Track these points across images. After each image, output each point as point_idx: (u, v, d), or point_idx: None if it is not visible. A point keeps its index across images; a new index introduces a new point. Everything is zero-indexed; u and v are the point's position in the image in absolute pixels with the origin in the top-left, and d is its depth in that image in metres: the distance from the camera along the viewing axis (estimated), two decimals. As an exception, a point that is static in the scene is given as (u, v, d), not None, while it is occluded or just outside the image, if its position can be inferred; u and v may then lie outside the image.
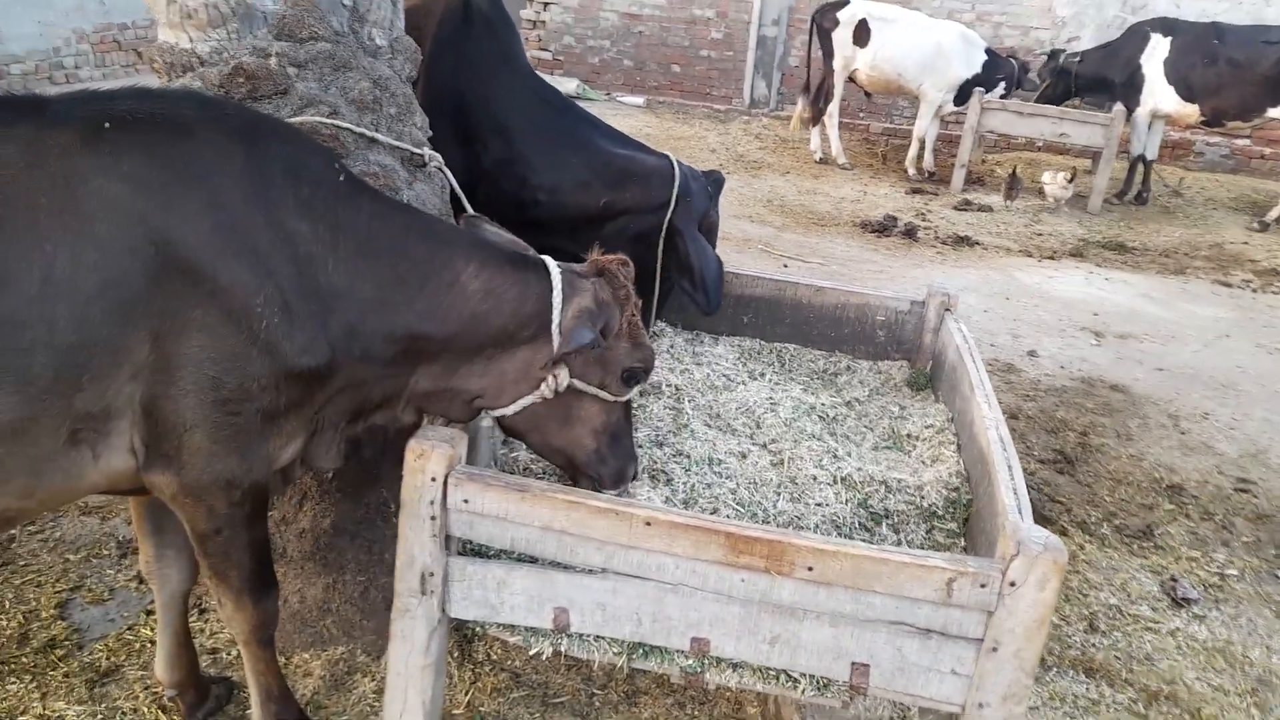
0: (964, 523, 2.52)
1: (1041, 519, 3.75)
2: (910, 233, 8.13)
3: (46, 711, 2.54)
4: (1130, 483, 4.25)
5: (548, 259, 2.22)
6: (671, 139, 10.72)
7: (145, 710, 2.57)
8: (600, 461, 2.25)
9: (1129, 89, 9.34)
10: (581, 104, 3.54)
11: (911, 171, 10.19)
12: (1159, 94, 9.19)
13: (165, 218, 1.69)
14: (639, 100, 12.96)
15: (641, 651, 2.10)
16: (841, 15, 9.82)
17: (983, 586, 1.84)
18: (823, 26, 10.00)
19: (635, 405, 2.89)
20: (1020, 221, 8.77)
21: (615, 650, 2.11)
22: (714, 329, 3.57)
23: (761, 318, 3.56)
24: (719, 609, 1.99)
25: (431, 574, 2.10)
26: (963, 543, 2.45)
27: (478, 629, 2.51)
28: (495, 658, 2.84)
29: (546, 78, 3.58)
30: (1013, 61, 9.88)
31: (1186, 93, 9.05)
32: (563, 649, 2.14)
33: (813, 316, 3.52)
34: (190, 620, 2.58)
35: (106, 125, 1.67)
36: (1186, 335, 6.29)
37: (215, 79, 2.31)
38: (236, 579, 2.08)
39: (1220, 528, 3.96)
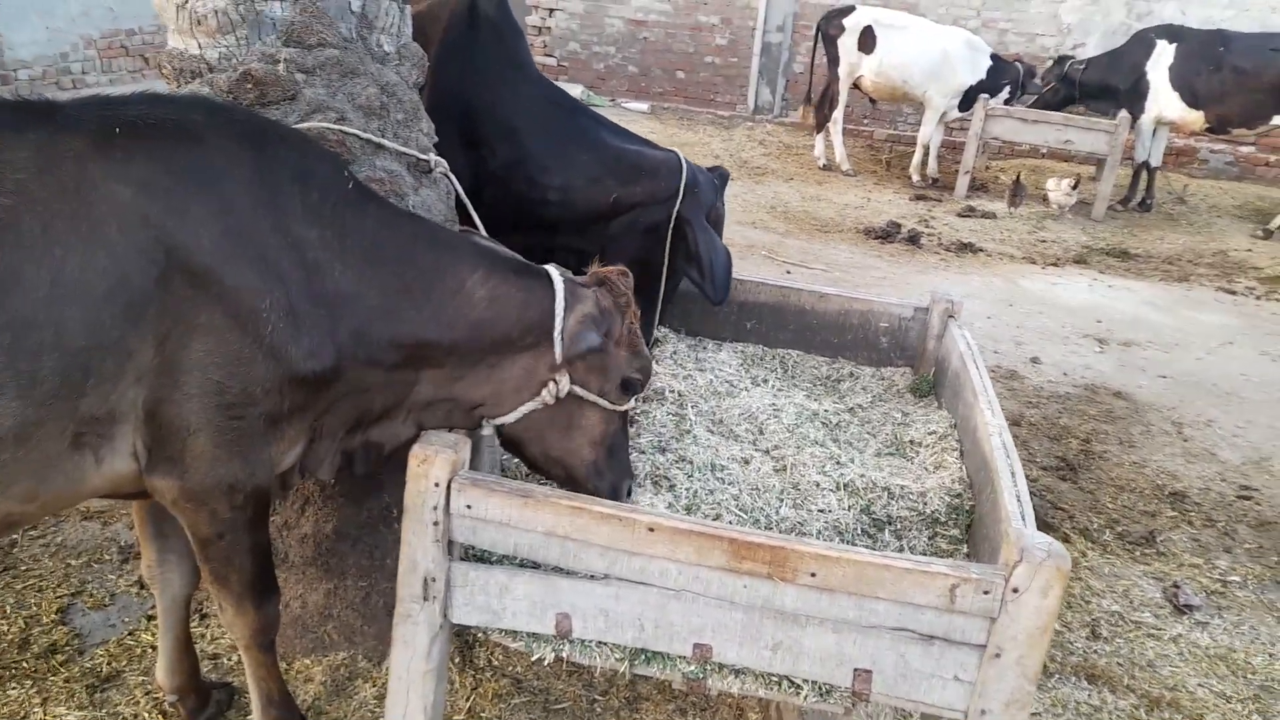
0: (967, 529, 2.52)
1: (1044, 526, 3.74)
2: (914, 239, 8.13)
3: (47, 717, 2.54)
4: (1133, 489, 4.24)
5: (550, 267, 2.24)
6: (675, 145, 10.69)
7: (146, 715, 2.57)
8: (597, 474, 2.25)
9: (1134, 95, 9.34)
10: (586, 109, 3.55)
11: (915, 178, 10.19)
12: (1164, 101, 9.19)
13: (174, 222, 1.70)
14: (644, 106, 12.98)
15: (644, 657, 2.10)
16: (847, 22, 9.84)
17: (986, 593, 1.84)
18: (828, 33, 10.01)
19: (638, 411, 2.89)
20: (1024, 228, 8.77)
21: (617, 656, 2.11)
22: (717, 335, 3.57)
23: (765, 324, 3.57)
24: (721, 615, 1.99)
25: (434, 579, 2.10)
26: (965, 549, 2.44)
27: (479, 634, 2.53)
28: (496, 664, 2.84)
29: (551, 83, 3.59)
30: (1018, 67, 9.88)
31: (1191, 99, 9.05)
32: (565, 654, 2.14)
33: (816, 323, 3.52)
34: (191, 625, 2.58)
35: (117, 130, 1.68)
36: (1190, 342, 6.28)
37: (224, 85, 2.33)
38: (238, 584, 2.08)
39: (1223, 535, 3.95)
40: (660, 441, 2.78)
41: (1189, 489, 4.30)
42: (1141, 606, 3.41)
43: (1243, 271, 8.01)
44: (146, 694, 2.63)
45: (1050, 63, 10.27)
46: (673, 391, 3.07)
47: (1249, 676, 3.12)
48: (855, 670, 1.97)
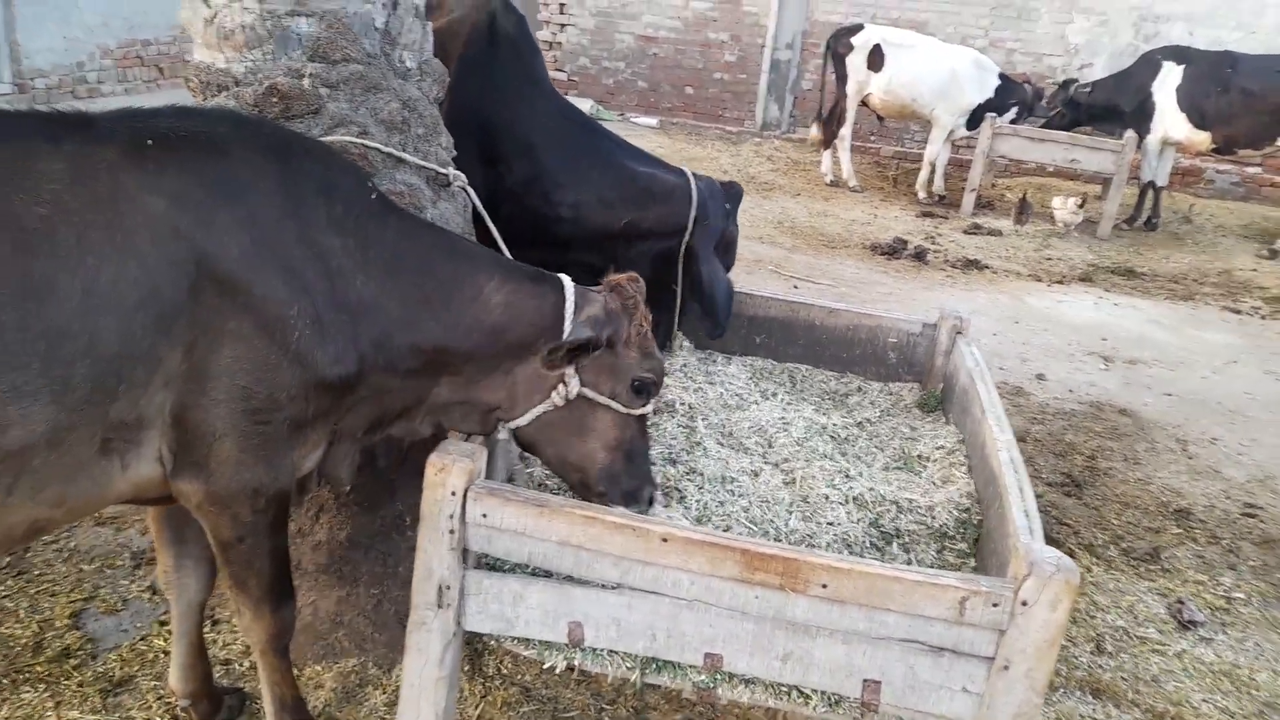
0: (974, 543, 2.55)
1: (1050, 541, 3.73)
2: (920, 255, 8.18)
3: None
4: (1138, 506, 4.26)
5: (563, 276, 2.28)
6: (684, 160, 10.80)
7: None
8: (611, 479, 2.27)
9: (1140, 116, 9.39)
10: (595, 124, 3.60)
11: (922, 195, 10.25)
12: (1170, 121, 9.24)
13: (204, 233, 1.74)
14: (653, 121, 13.07)
15: (655, 666, 2.13)
16: (856, 40, 9.92)
17: (995, 606, 1.87)
18: (837, 51, 10.09)
19: (648, 423, 2.93)
20: (1030, 246, 8.81)
21: (629, 665, 2.14)
22: (727, 349, 3.61)
23: (774, 338, 3.61)
24: (733, 625, 2.02)
25: (448, 587, 2.13)
26: (973, 563, 2.47)
27: (491, 643, 2.56)
28: (505, 672, 2.86)
29: (561, 98, 3.64)
30: (1026, 87, 9.95)
31: (1198, 120, 9.11)
32: (576, 663, 2.17)
33: (825, 338, 3.56)
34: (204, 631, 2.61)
35: (149, 143, 1.73)
36: (1195, 361, 6.30)
37: (250, 98, 2.38)
38: (256, 587, 2.12)
39: (1227, 552, 3.97)
40: (671, 454, 2.82)
41: (1194, 506, 4.31)
42: (1146, 622, 3.43)
43: (1248, 291, 8.03)
44: (159, 698, 2.66)
45: (1056, 86, 10.33)
46: (683, 404, 3.11)
47: (1253, 693, 3.13)
48: (864, 681, 1.99)
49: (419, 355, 2.09)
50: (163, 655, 2.82)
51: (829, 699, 2.06)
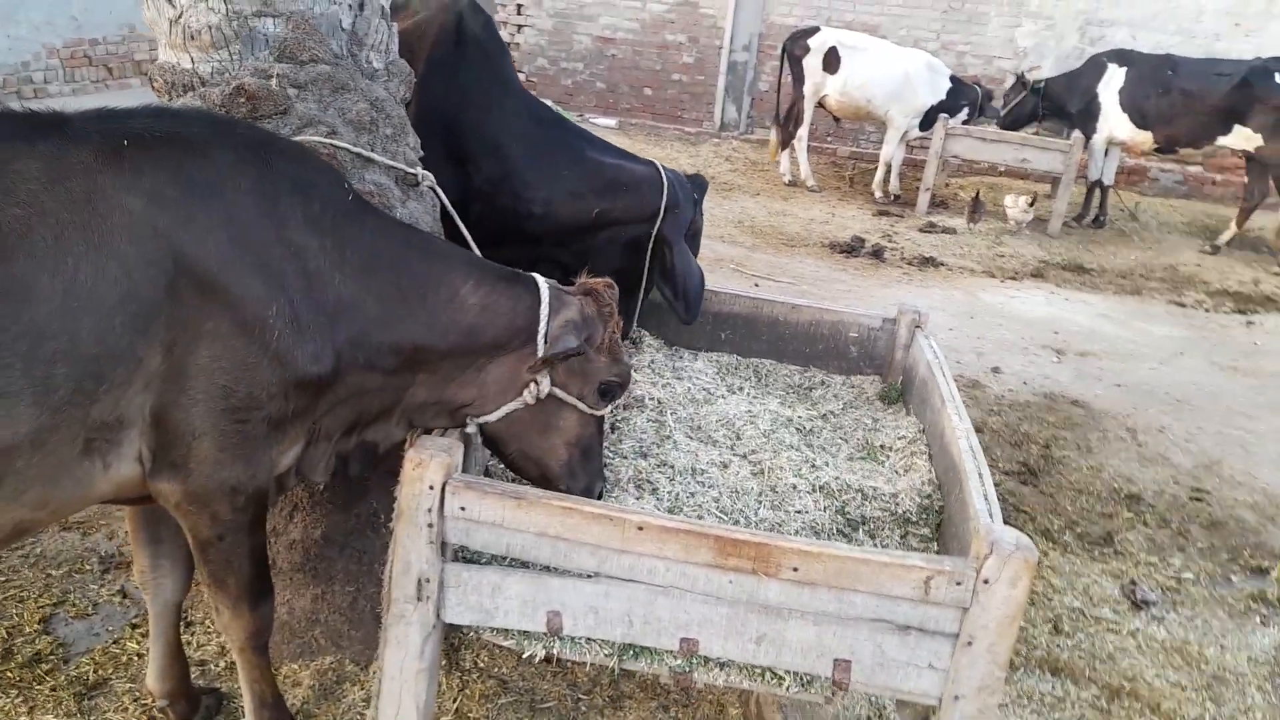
0: (936, 528, 2.63)
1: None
2: (877, 253, 8.33)
3: (35, 724, 2.55)
4: (1091, 492, 4.41)
5: (537, 275, 2.32)
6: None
7: (135, 721, 2.59)
8: (570, 475, 2.32)
9: (1086, 117, 9.66)
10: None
11: (878, 194, 10.42)
12: (1115, 122, 9.51)
13: (182, 233, 1.75)
14: (611, 122, 13.12)
15: (632, 653, 2.17)
16: (812, 42, 10.06)
17: (958, 584, 1.95)
18: (794, 53, 10.23)
19: (619, 418, 2.98)
20: (983, 243, 9.01)
21: (606, 652, 2.18)
22: (693, 345, 3.67)
23: (739, 334, 3.67)
24: (707, 610, 2.07)
25: (428, 580, 2.16)
26: (935, 547, 2.56)
27: (470, 634, 2.58)
28: (482, 665, 2.90)
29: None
30: (977, 89, 10.18)
31: (1141, 121, 9.39)
32: (555, 651, 2.21)
33: (788, 333, 3.64)
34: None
35: (125, 143, 1.74)
36: (1143, 353, 6.51)
37: (217, 99, 2.38)
38: (235, 585, 2.13)
39: (1176, 534, 4.13)
40: (641, 447, 2.87)
41: (1144, 491, 4.48)
42: (1101, 603, 3.56)
43: (1192, 285, 8.31)
44: (135, 700, 2.65)
45: (1014, 79, 10.58)
46: (652, 399, 3.16)
47: (1202, 667, 3.28)
48: (835, 660, 2.06)
49: (397, 354, 2.12)
50: (136, 658, 2.81)
51: (801, 679, 2.12)
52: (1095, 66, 9.72)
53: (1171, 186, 11.63)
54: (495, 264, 2.30)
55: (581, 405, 2.25)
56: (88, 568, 3.24)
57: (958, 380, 5.56)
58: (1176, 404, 5.66)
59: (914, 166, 10.85)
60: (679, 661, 2.16)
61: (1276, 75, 8.73)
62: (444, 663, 2.85)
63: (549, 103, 13.47)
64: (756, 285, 7.08)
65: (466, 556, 2.26)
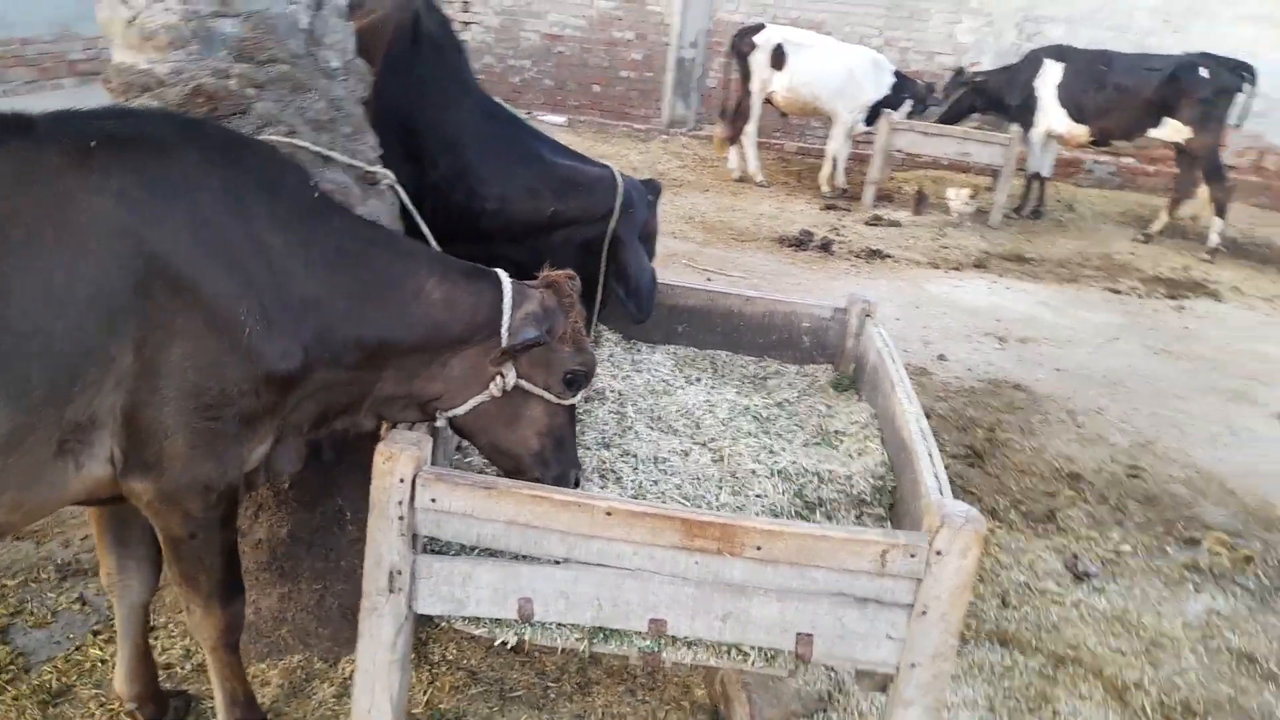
0: (889, 508, 2.74)
1: (957, 509, 4.03)
2: (826, 247, 8.49)
3: (-1, 733, 2.53)
4: (1034, 472, 4.59)
5: (499, 271, 2.37)
6: (594, 157, 10.90)
7: (102, 726, 2.58)
8: (543, 464, 2.37)
9: (1025, 111, 9.95)
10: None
11: (825, 189, 10.61)
12: (1052, 115, 9.81)
13: (152, 232, 1.77)
14: (560, 119, 13.13)
15: (602, 635, 2.23)
16: (758, 40, 10.20)
17: (913, 557, 2.05)
18: (740, 50, 10.35)
19: (581, 410, 3.04)
20: (927, 235, 9.24)
21: (577, 636, 2.24)
22: (650, 338, 3.74)
23: (695, 326, 3.75)
24: (675, 590, 2.14)
25: (399, 572, 2.19)
26: (889, 526, 2.66)
27: (440, 626, 2.63)
28: (451, 658, 2.94)
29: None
30: (919, 84, 10.41)
31: (1077, 114, 9.69)
32: (526, 638, 2.26)
33: (743, 325, 3.72)
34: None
35: (92, 144, 1.75)
36: (1081, 339, 6.76)
37: (175, 99, 2.38)
38: (207, 584, 2.14)
39: (1115, 510, 4.32)
40: (604, 438, 2.93)
41: (1084, 470, 4.67)
42: (1045, 576, 3.73)
43: (1126, 273, 8.62)
44: (100, 705, 2.64)
45: (951, 74, 10.84)
46: (613, 391, 3.22)
47: (1140, 633, 3.45)
48: (798, 635, 2.14)
49: (362, 349, 2.15)
50: (100, 664, 2.80)
51: (766, 654, 2.21)
52: (1033, 62, 10.01)
53: (1106, 178, 12.02)
54: (458, 260, 2.35)
55: (548, 395, 2.30)
56: (44, 576, 3.20)
57: (905, 368, 5.73)
58: (1113, 387, 5.89)
59: (859, 161, 11.06)
60: (648, 642, 2.22)
61: (1202, 70, 9.09)
62: (412, 656, 2.88)
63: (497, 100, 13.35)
64: (709, 280, 7.17)
65: (436, 548, 2.30)
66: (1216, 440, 5.26)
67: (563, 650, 2.90)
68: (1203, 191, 9.38)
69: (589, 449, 2.81)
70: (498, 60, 13.67)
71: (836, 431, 3.18)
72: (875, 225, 9.42)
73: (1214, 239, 9.20)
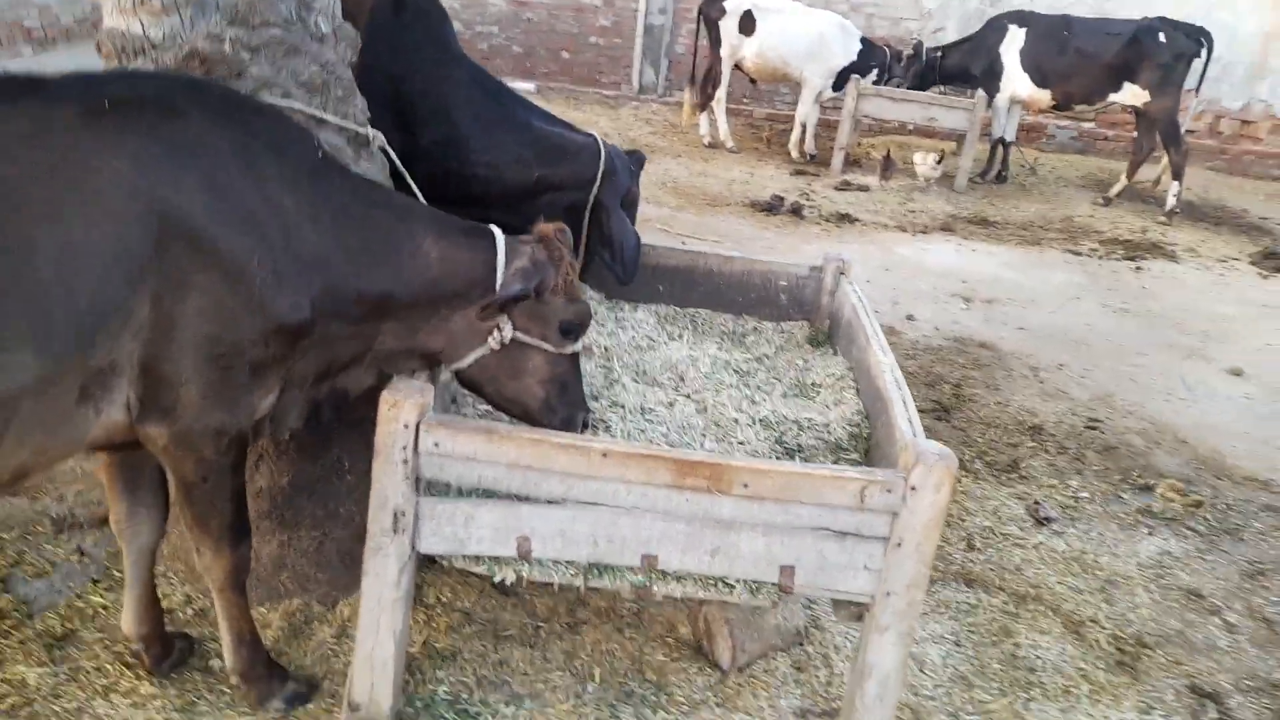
0: (865, 453, 2.89)
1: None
2: (796, 211, 8.62)
3: (7, 676, 2.60)
4: (998, 425, 4.79)
5: (493, 227, 2.46)
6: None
7: (109, 668, 2.65)
8: (550, 410, 2.48)
9: (989, 77, 10.10)
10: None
11: (795, 154, 10.72)
12: (1016, 81, 9.98)
13: (167, 190, 1.84)
14: (530, 86, 13.06)
15: (596, 571, 2.36)
16: (728, 5, 10.23)
17: (889, 492, 2.19)
18: (710, 16, 10.38)
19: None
20: (895, 200, 9.40)
21: (573, 572, 2.37)
22: (633, 297, 3.85)
23: (676, 286, 3.86)
24: (666, 527, 2.27)
25: (403, 513, 2.30)
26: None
27: (439, 565, 2.75)
28: (445, 600, 3.05)
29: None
30: (885, 50, 10.52)
31: (1040, 79, 9.87)
32: (525, 574, 2.39)
33: (722, 284, 3.84)
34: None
35: (106, 104, 1.81)
36: (1043, 298, 6.97)
37: (170, 63, 2.42)
38: (217, 526, 2.24)
39: (1074, 459, 4.53)
40: (593, 391, 3.04)
41: (1045, 423, 4.88)
42: (1008, 521, 3.92)
43: (1086, 235, 8.85)
44: (106, 648, 2.71)
45: (909, 53, 10.93)
46: (599, 347, 3.34)
47: (1097, 573, 3.66)
48: (781, 567, 2.29)
49: (364, 303, 2.24)
50: (102, 610, 2.87)
51: (751, 586, 2.35)
52: (996, 28, 10.15)
53: (1067, 142, 12.26)
54: (455, 218, 2.43)
55: (546, 345, 2.40)
56: (40, 530, 3.26)
57: (876, 328, 5.92)
58: (1074, 344, 6.11)
59: (828, 127, 11.17)
60: (640, 577, 2.36)
61: (1161, 34, 9.29)
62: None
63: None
64: (684, 244, 7.27)
65: (437, 490, 2.41)
66: (1171, 394, 5.50)
67: (555, 590, 3.08)
68: (1160, 154, 9.63)
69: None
70: (465, 27, 13.53)
71: (814, 383, 3.33)
72: (844, 190, 9.56)
73: (1171, 202, 9.46)
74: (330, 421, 2.80)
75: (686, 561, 2.31)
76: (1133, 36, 9.34)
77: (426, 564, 2.87)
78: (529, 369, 2.44)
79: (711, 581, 2.36)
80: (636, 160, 3.66)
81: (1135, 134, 10.08)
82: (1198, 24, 9.39)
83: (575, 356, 2.52)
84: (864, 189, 9.63)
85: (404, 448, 2.23)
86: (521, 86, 12.92)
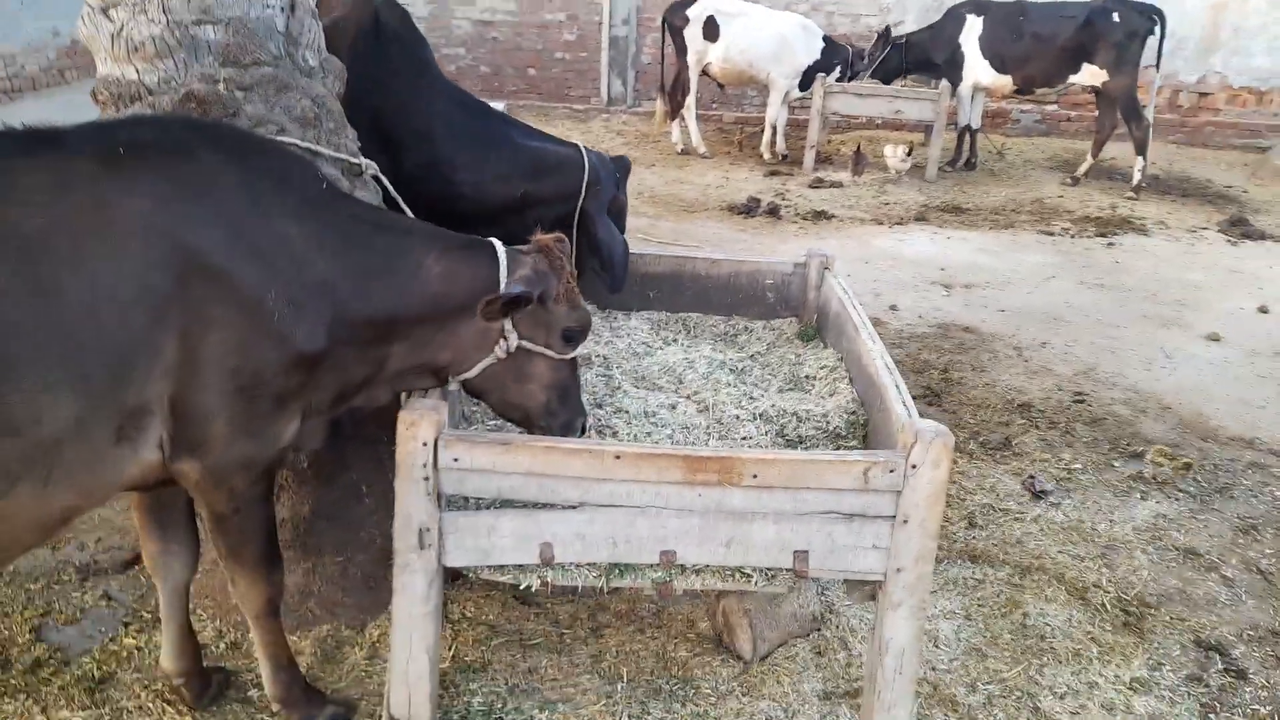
0: (863, 439, 2.99)
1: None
2: (773, 211, 8.75)
3: (52, 720, 2.66)
4: (988, 406, 4.91)
5: (494, 240, 2.55)
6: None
7: (150, 705, 2.71)
8: (550, 414, 2.55)
9: (952, 66, 10.29)
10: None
11: (766, 155, 10.86)
12: (977, 68, 10.17)
13: (186, 229, 1.92)
14: (500, 105, 13.14)
15: (617, 571, 2.44)
16: (691, 13, 10.37)
17: (892, 472, 2.29)
18: (674, 25, 10.52)
19: (585, 361, 3.21)
20: (869, 193, 9.55)
21: (595, 574, 2.45)
22: (625, 305, 3.94)
23: (665, 291, 3.95)
24: (681, 523, 2.35)
25: (428, 529, 2.37)
26: (866, 454, 2.90)
27: (464, 580, 2.82)
28: (470, 614, 3.12)
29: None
30: (847, 48, 10.69)
31: (1000, 65, 10.06)
32: (549, 579, 2.46)
33: (710, 286, 3.94)
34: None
35: (120, 151, 1.89)
36: (1020, 280, 7.12)
37: (167, 106, 2.50)
38: (251, 555, 2.31)
39: (1064, 433, 4.66)
40: (596, 399, 3.13)
41: (1033, 400, 5.00)
42: (1006, 497, 4.03)
43: (1057, 215, 9.03)
44: (145, 687, 2.77)
45: (876, 36, 11.12)
46: (598, 356, 3.42)
47: (1095, 540, 3.77)
48: (795, 553, 2.38)
49: (372, 326, 2.31)
50: (136, 652, 2.93)
51: (766, 574, 2.44)
52: (955, 18, 10.34)
53: (1032, 126, 12.47)
54: (455, 234, 2.51)
55: (549, 352, 2.48)
56: (66, 578, 3.31)
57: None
58: (1054, 322, 6.25)
59: (797, 126, 11.32)
60: (660, 573, 2.44)
61: (1115, 14, 9.50)
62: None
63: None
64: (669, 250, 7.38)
65: (459, 505, 2.49)
66: (1152, 363, 5.64)
67: (576, 597, 3.16)
68: (1122, 132, 9.83)
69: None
70: (431, 49, 13.61)
71: (808, 376, 3.43)
72: (818, 188, 9.70)
73: (1137, 177, 9.66)
74: (344, 445, 2.89)
75: (703, 554, 2.39)
76: (1087, 18, 9.55)
77: (449, 581, 2.94)
78: (533, 375, 2.51)
79: (728, 572, 2.44)
80: (622, 166, 3.76)
81: (1097, 113, 10.28)
82: (1149, 1, 9.61)
83: (574, 363, 2.60)
84: (837, 185, 9.78)
85: (424, 465, 2.30)
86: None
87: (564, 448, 2.31)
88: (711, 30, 10.29)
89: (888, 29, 10.88)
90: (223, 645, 2.97)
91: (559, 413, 2.55)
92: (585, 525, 2.38)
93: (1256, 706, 2.97)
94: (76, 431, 1.80)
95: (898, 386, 2.73)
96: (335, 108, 2.89)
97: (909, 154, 9.97)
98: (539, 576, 2.45)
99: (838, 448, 2.96)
